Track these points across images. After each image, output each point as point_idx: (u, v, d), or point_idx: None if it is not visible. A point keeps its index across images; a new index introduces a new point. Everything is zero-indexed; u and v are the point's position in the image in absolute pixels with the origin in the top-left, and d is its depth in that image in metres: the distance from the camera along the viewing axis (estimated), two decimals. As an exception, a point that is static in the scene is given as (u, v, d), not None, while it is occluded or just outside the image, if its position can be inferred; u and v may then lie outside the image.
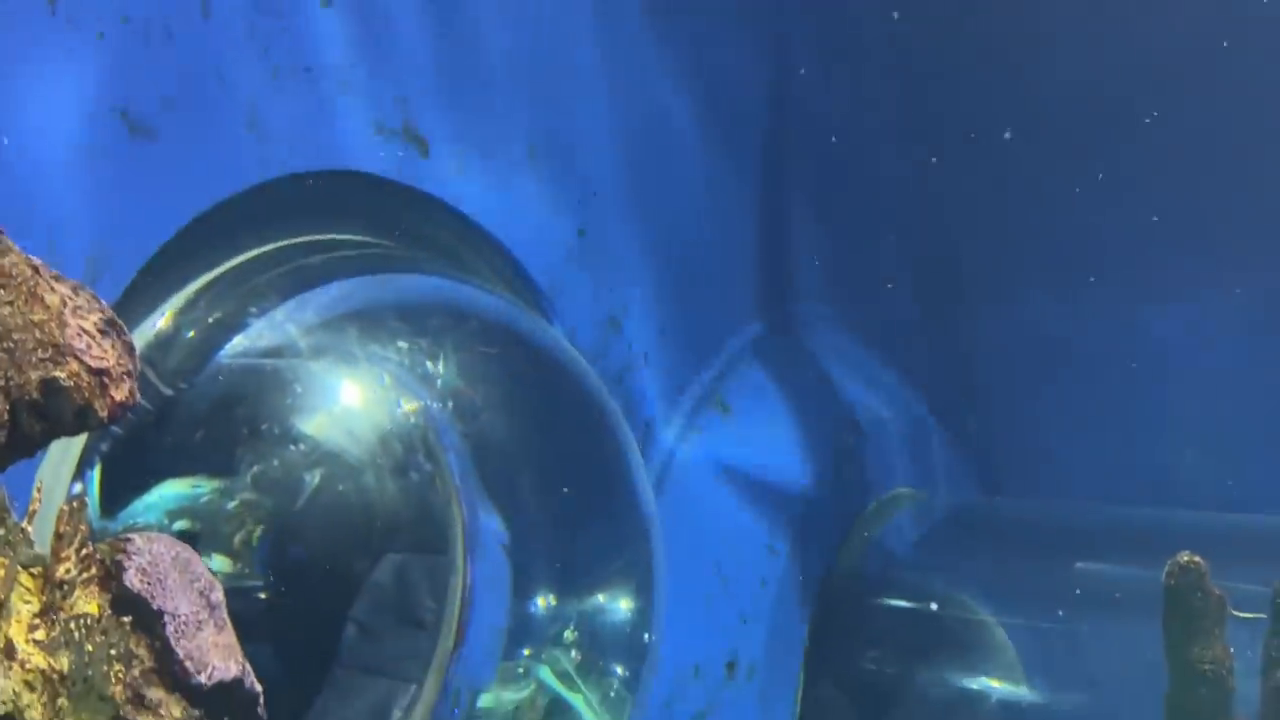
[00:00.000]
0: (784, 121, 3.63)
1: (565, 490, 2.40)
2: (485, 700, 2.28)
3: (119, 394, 1.22)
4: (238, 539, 1.86)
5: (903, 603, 3.35)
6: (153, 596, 1.27)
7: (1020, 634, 3.31)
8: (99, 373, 1.19)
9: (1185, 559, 1.62)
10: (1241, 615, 1.63)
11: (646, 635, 2.38)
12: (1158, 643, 1.88)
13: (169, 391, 1.83)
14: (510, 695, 2.30)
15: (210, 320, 1.88)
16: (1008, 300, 4.14)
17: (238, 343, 1.88)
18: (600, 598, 2.37)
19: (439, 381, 2.13)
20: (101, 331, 1.21)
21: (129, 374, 1.23)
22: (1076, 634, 3.27)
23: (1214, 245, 3.78)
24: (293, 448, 1.90)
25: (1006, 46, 3.71)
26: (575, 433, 2.47)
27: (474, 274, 2.52)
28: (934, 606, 3.31)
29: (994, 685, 3.30)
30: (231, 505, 1.85)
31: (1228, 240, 3.78)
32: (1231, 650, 1.64)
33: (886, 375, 3.81)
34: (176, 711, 1.25)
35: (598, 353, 2.80)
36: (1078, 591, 3.29)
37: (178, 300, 1.87)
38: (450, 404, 2.14)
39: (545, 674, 2.28)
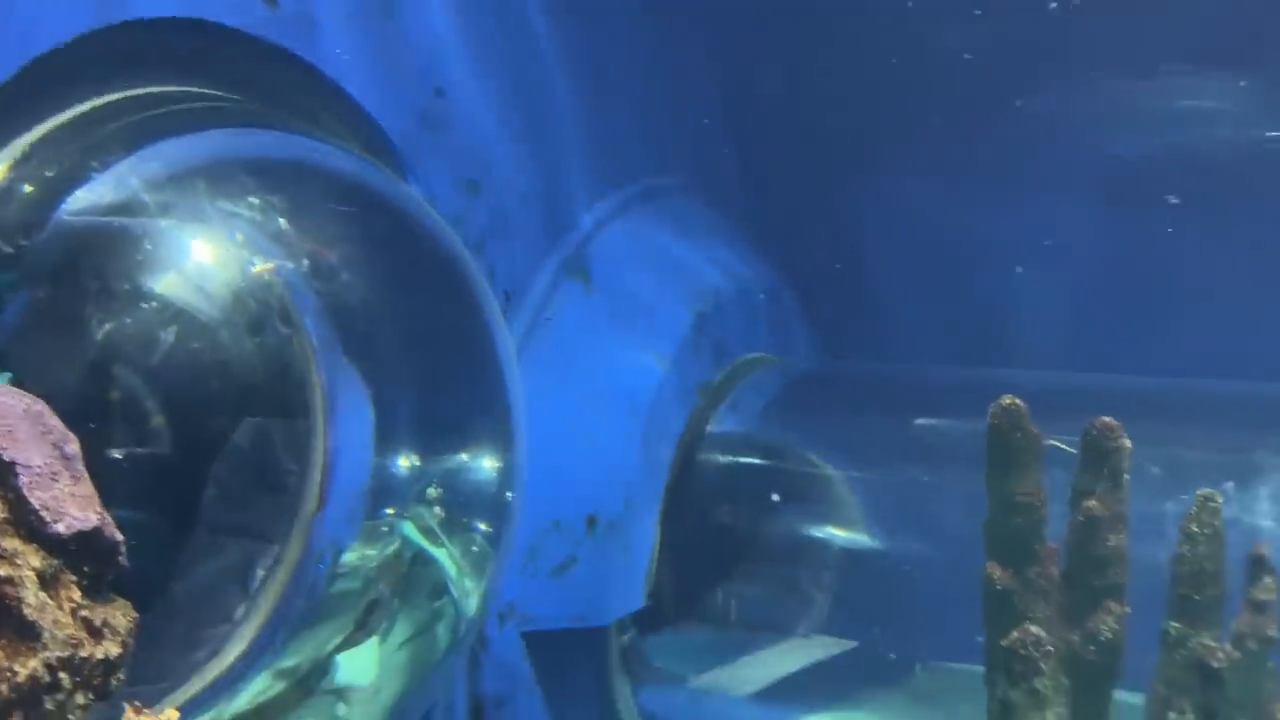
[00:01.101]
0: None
1: (426, 352, 2.41)
2: (350, 558, 2.31)
3: (-44, 240, 1.17)
4: (90, 399, 1.82)
5: (754, 460, 3.51)
6: (3, 448, 1.25)
7: (863, 486, 3.51)
8: (-67, 218, 1.15)
9: (1007, 401, 1.75)
10: (1057, 444, 1.78)
11: (508, 493, 2.44)
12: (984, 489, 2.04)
13: (8, 249, 1.76)
14: (374, 552, 2.33)
15: (49, 174, 1.79)
16: (859, 173, 4.26)
17: (80, 198, 1.80)
18: (463, 457, 2.41)
19: (293, 240, 2.09)
20: (-67, 175, 1.16)
21: (-34, 220, 1.19)
22: (913, 484, 3.49)
23: (1058, 127, 3.96)
24: (144, 306, 1.85)
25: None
26: (436, 294, 2.46)
27: (327, 132, 2.46)
28: (775, 497, 3.46)
29: (838, 534, 3.51)
30: (83, 364, 1.80)
31: (1070, 121, 3.96)
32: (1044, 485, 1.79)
33: (744, 245, 3.90)
34: (35, 561, 1.25)
35: (458, 217, 2.79)
36: (916, 445, 3.51)
37: (13, 152, 1.77)
38: (305, 263, 2.10)
39: (409, 530, 2.33)
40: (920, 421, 3.57)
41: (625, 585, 3.06)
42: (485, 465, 2.42)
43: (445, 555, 2.36)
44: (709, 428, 3.43)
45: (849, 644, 3.49)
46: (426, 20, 2.69)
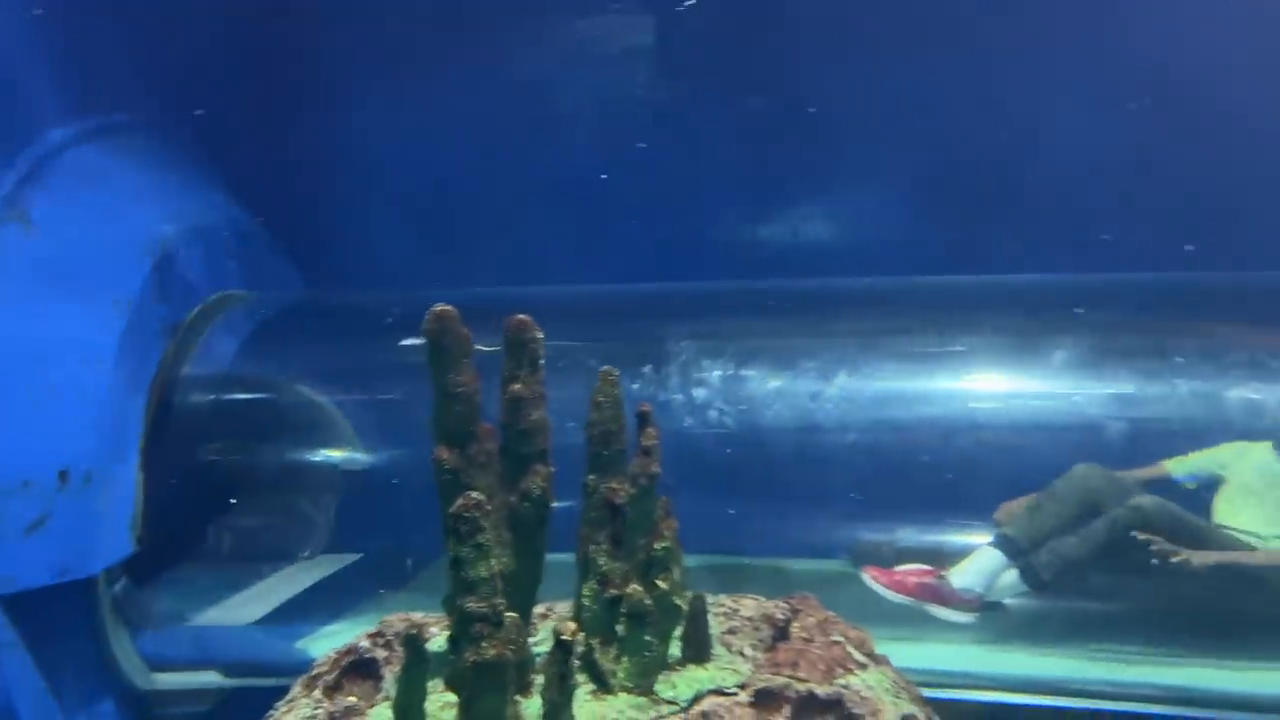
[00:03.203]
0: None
1: None
2: None
3: None
4: None
5: (238, 395, 3.54)
6: None
7: (352, 408, 3.67)
8: None
9: (439, 309, 1.98)
10: (483, 349, 2.05)
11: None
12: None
13: None
14: None
15: None
16: (325, 108, 4.34)
17: None
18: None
19: None
20: None
21: None
22: (398, 402, 3.72)
23: (511, 67, 4.30)
24: None
25: None
26: None
27: None
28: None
29: (334, 455, 3.65)
30: None
31: (518, 63, 4.32)
32: (478, 375, 2.06)
33: (207, 182, 3.85)
34: None
35: None
36: (399, 365, 3.72)
37: None
38: None
39: None
40: (405, 342, 3.78)
41: (110, 535, 3.00)
42: (-82, 429, 2.26)
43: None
44: (185, 369, 3.40)
45: (352, 557, 3.66)
46: None
